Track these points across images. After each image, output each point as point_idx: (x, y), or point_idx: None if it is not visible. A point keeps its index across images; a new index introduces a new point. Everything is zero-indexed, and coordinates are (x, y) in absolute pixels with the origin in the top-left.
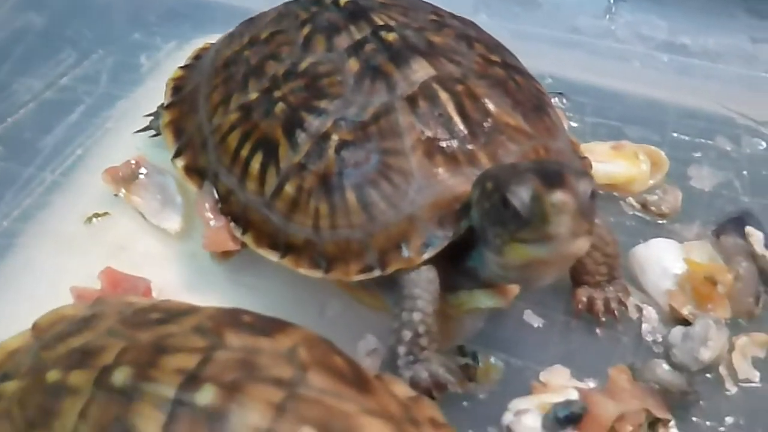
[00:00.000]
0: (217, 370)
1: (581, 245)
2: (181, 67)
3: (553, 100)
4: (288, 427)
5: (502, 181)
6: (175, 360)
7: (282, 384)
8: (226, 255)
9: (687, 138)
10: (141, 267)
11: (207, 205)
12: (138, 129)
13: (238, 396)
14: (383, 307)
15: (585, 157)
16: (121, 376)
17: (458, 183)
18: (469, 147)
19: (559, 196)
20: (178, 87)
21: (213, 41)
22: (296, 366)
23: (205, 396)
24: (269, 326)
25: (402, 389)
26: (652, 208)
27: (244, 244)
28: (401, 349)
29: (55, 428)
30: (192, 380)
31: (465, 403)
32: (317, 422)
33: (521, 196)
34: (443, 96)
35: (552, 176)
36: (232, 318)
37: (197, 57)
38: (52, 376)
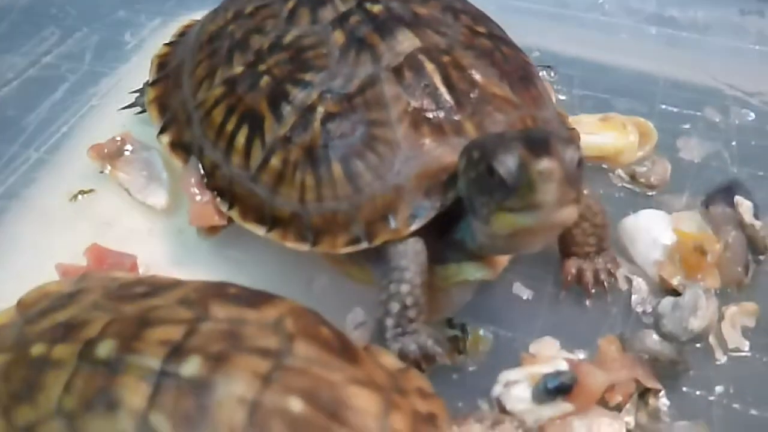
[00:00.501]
0: (203, 341)
1: (569, 213)
2: (166, 44)
3: (541, 74)
4: (275, 397)
5: (489, 150)
6: (160, 332)
7: (268, 354)
8: (212, 230)
9: (675, 109)
10: (127, 243)
11: (192, 180)
12: (123, 106)
13: (224, 367)
14: (371, 281)
15: (573, 129)
16: (105, 349)
17: (445, 153)
18: (456, 117)
19: (545, 164)
20: (162, 64)
21: (198, 18)
22: (282, 336)
23: (191, 367)
24: (255, 298)
25: (390, 360)
26: (641, 180)
27: (230, 219)
28: (389, 322)
29: (40, 401)
30: (177, 351)
31: (454, 375)
32: (304, 392)
33: (507, 164)
34: (429, 67)
35: (538, 144)
36: (218, 290)
37: (182, 34)
38: (36, 349)
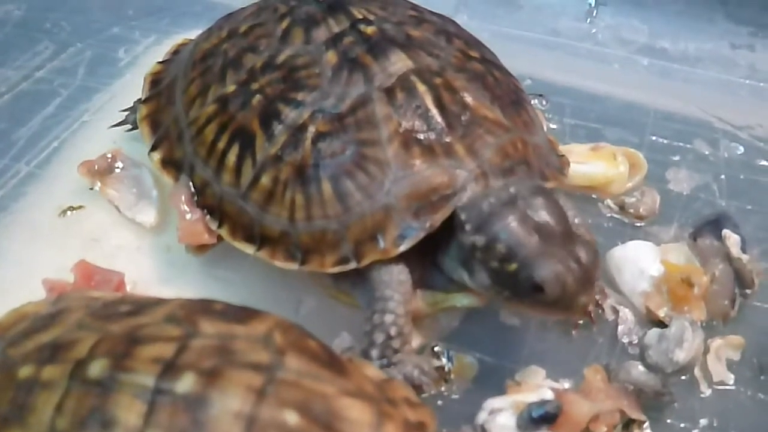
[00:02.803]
0: (195, 357)
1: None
2: (160, 62)
3: (532, 102)
4: (270, 410)
5: (528, 260)
6: (152, 349)
7: (260, 368)
8: (201, 248)
9: (665, 141)
10: (115, 260)
11: (183, 198)
12: (114, 123)
13: (219, 382)
14: (358, 304)
15: (563, 156)
16: (97, 368)
17: (435, 174)
18: (447, 139)
19: (586, 289)
20: (155, 81)
21: (192, 37)
22: (273, 350)
23: (185, 383)
24: (242, 314)
25: (374, 371)
26: (630, 210)
27: (219, 237)
28: (374, 353)
29: (31, 423)
30: (170, 368)
31: (439, 402)
32: (299, 405)
33: (550, 283)
34: (421, 88)
35: (583, 268)
36: (204, 307)
37: (176, 52)
38: (24, 372)
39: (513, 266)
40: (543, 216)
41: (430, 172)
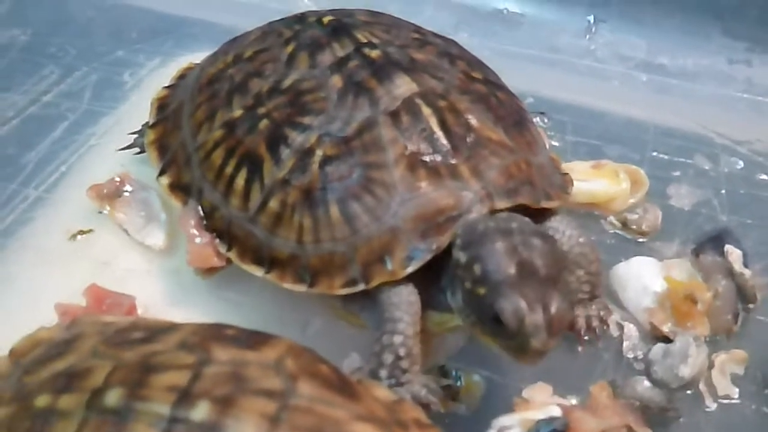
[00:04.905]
0: (209, 385)
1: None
2: (166, 87)
3: (534, 119)
4: None
5: (494, 290)
6: (166, 378)
7: (273, 395)
8: (210, 271)
9: (666, 157)
10: (125, 283)
11: (191, 222)
12: (122, 146)
13: (233, 410)
14: (366, 325)
15: (566, 174)
16: (114, 397)
17: (441, 196)
18: (452, 161)
19: (542, 336)
20: (162, 106)
21: (196, 59)
22: (285, 376)
23: (200, 412)
24: (253, 339)
25: (384, 392)
26: (633, 227)
27: (228, 260)
28: (383, 373)
29: None
30: (185, 397)
31: (447, 421)
32: (312, 430)
33: (508, 315)
34: (426, 111)
35: (537, 300)
36: (216, 332)
37: (182, 76)
38: (41, 401)
39: (482, 290)
40: (532, 256)
41: (436, 194)
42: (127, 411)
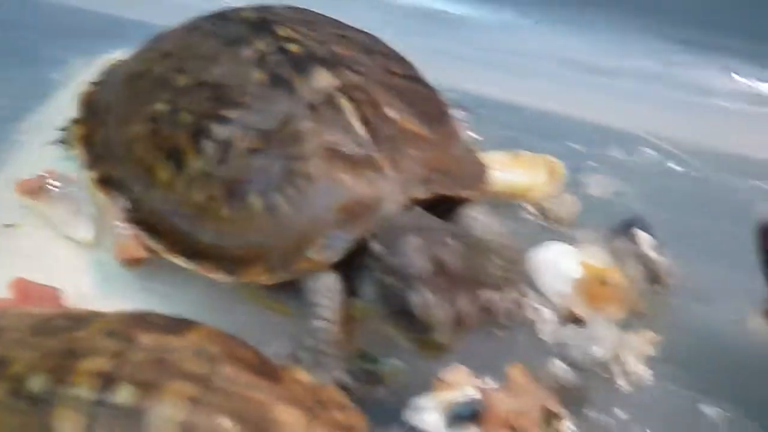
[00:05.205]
0: (133, 369)
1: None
2: (92, 83)
3: (455, 114)
4: (205, 418)
5: (405, 281)
6: (90, 363)
7: (196, 378)
8: (137, 263)
9: (583, 148)
10: (53, 277)
11: (118, 215)
12: (49, 142)
13: (156, 393)
14: (292, 313)
15: (484, 165)
16: (37, 383)
17: (360, 186)
18: (371, 152)
19: (448, 331)
20: (88, 101)
21: (123, 56)
22: (207, 360)
23: (124, 395)
24: (177, 325)
25: (305, 377)
26: (550, 215)
27: (154, 252)
28: (304, 357)
29: None
30: (109, 381)
31: (368, 403)
32: (233, 411)
33: (417, 309)
34: (345, 104)
35: (446, 296)
36: (140, 319)
37: (107, 73)
38: None
39: (392, 282)
40: (445, 255)
41: (354, 184)
42: (51, 396)
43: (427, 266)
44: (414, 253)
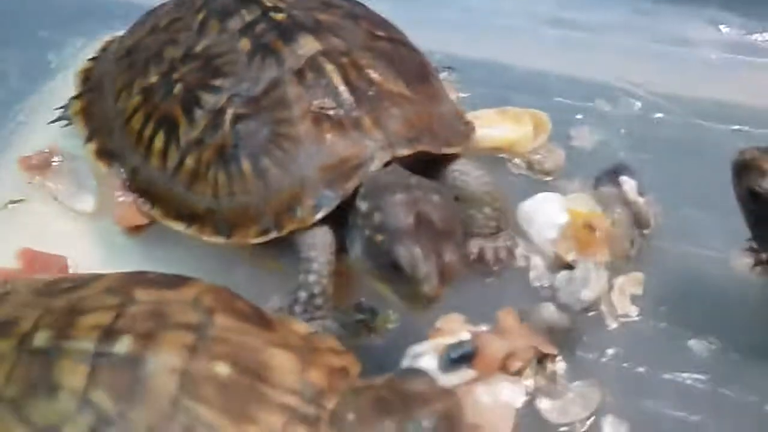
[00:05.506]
0: (131, 322)
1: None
2: (89, 59)
3: (442, 74)
4: (202, 364)
5: (392, 236)
6: (91, 318)
7: (191, 328)
8: (137, 229)
9: (568, 102)
10: (58, 247)
11: (117, 184)
12: (50, 120)
13: (153, 343)
14: (286, 270)
15: (469, 122)
16: (41, 339)
17: (345, 146)
18: (354, 113)
19: (434, 283)
20: (86, 77)
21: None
22: (202, 311)
23: (123, 346)
24: (173, 281)
25: (300, 326)
26: (537, 167)
27: (152, 218)
28: (298, 309)
29: None
30: (109, 334)
31: (363, 352)
32: (228, 357)
33: (403, 262)
34: (329, 68)
35: (432, 249)
36: (138, 277)
37: (104, 49)
38: None
39: (380, 237)
40: (431, 210)
41: (340, 144)
42: (54, 350)
43: (412, 221)
44: (399, 209)
